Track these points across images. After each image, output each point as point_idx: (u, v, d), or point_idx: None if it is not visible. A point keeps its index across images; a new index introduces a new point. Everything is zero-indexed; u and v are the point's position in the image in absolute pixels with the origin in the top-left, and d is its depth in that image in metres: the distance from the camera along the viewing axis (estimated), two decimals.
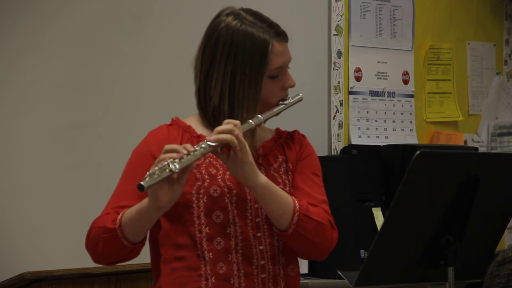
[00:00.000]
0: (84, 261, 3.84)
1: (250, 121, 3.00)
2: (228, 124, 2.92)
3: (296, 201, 3.03)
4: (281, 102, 3.09)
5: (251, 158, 2.94)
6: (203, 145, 2.88)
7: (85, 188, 4.26)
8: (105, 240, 3.01)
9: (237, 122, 2.93)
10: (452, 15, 5.54)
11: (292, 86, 3.12)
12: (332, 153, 4.99)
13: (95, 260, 3.09)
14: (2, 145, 4.11)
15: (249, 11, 3.13)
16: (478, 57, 5.66)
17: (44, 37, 4.26)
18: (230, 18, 3.11)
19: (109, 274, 3.76)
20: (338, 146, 5.02)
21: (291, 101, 3.11)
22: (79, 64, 4.31)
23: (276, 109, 3.07)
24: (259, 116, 3.02)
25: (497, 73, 5.74)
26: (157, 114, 4.11)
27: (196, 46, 3.12)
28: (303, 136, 3.22)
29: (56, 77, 4.26)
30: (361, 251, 4.43)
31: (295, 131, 3.21)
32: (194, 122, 3.11)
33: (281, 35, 3.12)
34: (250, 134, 3.07)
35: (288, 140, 3.16)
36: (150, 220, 2.96)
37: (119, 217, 2.97)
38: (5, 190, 4.08)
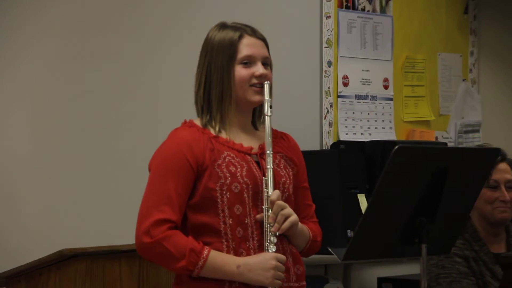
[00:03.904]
0: (113, 240, 3.87)
1: (269, 140, 3.00)
2: (280, 212, 2.96)
3: (310, 233, 3.11)
4: (265, 114, 3.02)
5: (296, 219, 2.99)
6: (273, 240, 2.96)
7: (112, 176, 4.25)
8: (175, 269, 2.95)
9: (281, 203, 2.97)
10: (425, 30, 5.54)
11: (262, 75, 3.04)
12: (324, 148, 4.99)
13: (145, 254, 2.99)
14: (45, 140, 4.09)
15: (234, 22, 3.12)
16: (447, 66, 5.65)
17: (71, 50, 4.24)
18: (213, 29, 3.12)
19: (134, 251, 3.72)
20: (328, 142, 5.02)
21: (268, 106, 3.03)
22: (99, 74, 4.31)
23: (267, 124, 3.01)
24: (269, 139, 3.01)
25: (463, 80, 5.73)
26: (168, 114, 4.13)
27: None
28: (296, 142, 3.21)
29: (79, 87, 4.26)
30: (348, 230, 4.43)
31: (287, 134, 3.20)
32: (204, 125, 3.07)
33: (254, 33, 3.09)
34: (257, 138, 3.09)
35: (282, 140, 3.15)
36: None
37: (200, 264, 2.91)
38: (48, 181, 4.08)
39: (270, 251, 2.95)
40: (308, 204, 3.19)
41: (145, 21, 4.43)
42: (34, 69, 4.11)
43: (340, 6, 5.14)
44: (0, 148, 3.99)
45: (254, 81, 3.04)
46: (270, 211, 2.96)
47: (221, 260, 2.93)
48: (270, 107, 3.03)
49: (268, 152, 2.99)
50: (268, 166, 2.98)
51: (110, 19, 4.31)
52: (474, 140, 5.64)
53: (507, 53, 5.98)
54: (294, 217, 2.99)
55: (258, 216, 2.98)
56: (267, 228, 2.96)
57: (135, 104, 4.38)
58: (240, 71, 3.04)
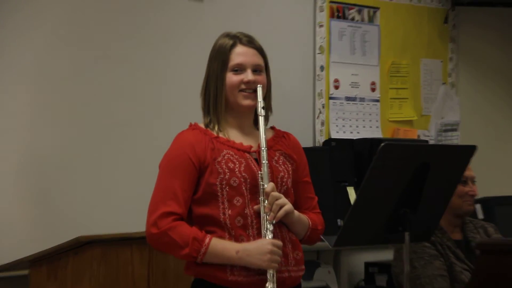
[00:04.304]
0: (125, 227, 3.87)
1: (263, 140, 2.99)
2: (275, 202, 2.95)
3: (310, 222, 3.08)
4: (258, 114, 3.01)
5: (291, 208, 2.98)
6: (270, 228, 2.95)
7: (125, 171, 4.25)
8: (181, 256, 2.96)
9: (275, 194, 2.96)
10: (409, 38, 5.54)
11: (250, 81, 3.02)
12: (316, 145, 4.99)
13: (154, 244, 3.00)
14: (66, 138, 4.09)
15: (239, 32, 3.11)
16: (429, 71, 5.65)
17: (92, 54, 4.24)
18: (219, 37, 3.12)
19: (145, 238, 3.69)
20: (320, 139, 5.02)
21: (260, 106, 3.02)
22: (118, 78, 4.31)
23: (260, 123, 3.00)
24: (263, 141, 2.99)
25: (443, 83, 5.73)
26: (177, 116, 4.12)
27: None
28: (297, 140, 3.20)
29: (97, 87, 4.26)
30: (338, 220, 4.44)
31: (289, 134, 3.19)
32: (206, 126, 3.07)
33: (249, 43, 3.07)
34: (257, 138, 3.07)
35: (283, 139, 3.14)
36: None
37: (202, 251, 2.92)
38: (68, 176, 4.07)
39: (267, 237, 2.95)
40: (310, 197, 3.17)
41: (152, 25, 4.42)
42: (52, 67, 4.09)
43: (332, 16, 5.14)
44: (26, 144, 3.97)
45: (243, 86, 3.03)
46: (266, 202, 2.97)
47: (221, 246, 2.94)
48: (263, 108, 3.01)
49: (262, 148, 2.99)
50: (263, 161, 2.97)
51: (117, 23, 4.29)
52: (453, 138, 5.64)
53: (483, 59, 5.98)
54: (288, 206, 2.99)
55: (255, 206, 2.98)
56: (264, 217, 2.96)
57: (148, 105, 4.38)
58: (231, 78, 3.04)
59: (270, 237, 2.94)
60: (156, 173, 4.12)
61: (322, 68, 5.08)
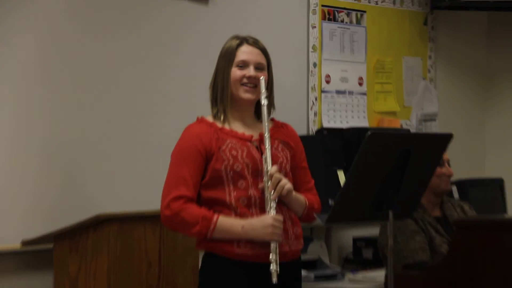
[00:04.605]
0: (139, 206, 3.88)
1: (266, 125, 3.01)
2: (278, 182, 2.97)
3: (307, 201, 3.09)
4: (262, 104, 3.03)
5: (291, 187, 3.00)
6: (273, 205, 2.96)
7: (140, 155, 4.24)
8: (192, 234, 2.97)
9: (278, 176, 2.97)
10: (392, 38, 5.53)
11: (251, 76, 3.04)
12: (310, 133, 4.99)
13: (168, 225, 3.02)
14: (87, 123, 4.07)
15: (247, 35, 3.14)
16: (410, 67, 5.64)
17: (112, 47, 4.22)
18: (229, 38, 3.15)
19: (156, 216, 3.66)
20: (314, 128, 5.01)
21: (263, 97, 3.04)
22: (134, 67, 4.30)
23: (264, 111, 3.02)
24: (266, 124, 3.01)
25: (423, 79, 5.72)
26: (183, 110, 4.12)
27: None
28: (294, 130, 3.20)
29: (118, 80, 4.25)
30: (329, 200, 4.43)
31: (287, 124, 3.20)
32: (212, 119, 3.09)
33: (254, 43, 3.10)
34: (258, 128, 3.09)
35: (282, 128, 3.15)
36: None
37: (211, 227, 2.94)
38: (87, 159, 4.06)
39: (271, 213, 2.96)
40: (307, 180, 3.18)
41: (162, 25, 4.40)
42: (75, 55, 4.07)
43: (324, 18, 5.14)
44: (51, 130, 3.95)
45: (245, 81, 3.05)
46: (269, 182, 2.97)
47: (228, 223, 2.96)
48: (266, 97, 3.03)
49: (266, 135, 3.00)
50: (266, 146, 2.99)
51: (128, 21, 4.28)
52: (432, 127, 5.63)
53: (459, 57, 5.96)
54: (289, 185, 3.01)
55: (260, 185, 3.00)
56: (268, 196, 2.97)
57: (161, 97, 4.35)
58: (235, 72, 3.06)
59: (273, 213, 2.96)
60: (167, 158, 4.14)
61: (315, 64, 5.07)
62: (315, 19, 5.09)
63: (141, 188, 4.17)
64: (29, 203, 3.85)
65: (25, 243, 3.71)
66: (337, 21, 5.21)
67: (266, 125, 3.02)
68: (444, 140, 3.48)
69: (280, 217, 2.97)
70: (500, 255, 3.31)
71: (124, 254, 3.61)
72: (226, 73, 3.06)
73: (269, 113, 3.08)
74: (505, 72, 6.03)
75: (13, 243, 3.73)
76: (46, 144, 3.93)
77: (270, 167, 2.97)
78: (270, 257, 2.92)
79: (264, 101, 3.03)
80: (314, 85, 5.06)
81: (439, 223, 3.91)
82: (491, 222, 3.54)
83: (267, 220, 2.94)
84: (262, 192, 3.00)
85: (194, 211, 2.94)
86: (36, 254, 3.82)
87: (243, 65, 3.06)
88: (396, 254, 3.70)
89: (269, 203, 2.97)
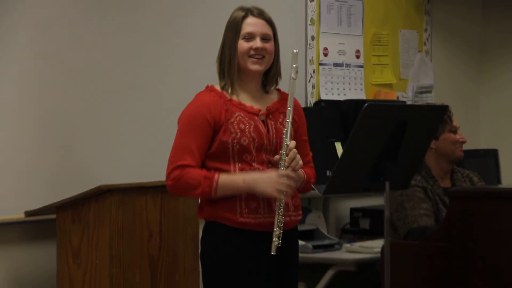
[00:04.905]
0: (141, 177, 3.85)
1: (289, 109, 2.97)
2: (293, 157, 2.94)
3: (305, 175, 3.05)
4: (292, 77, 2.99)
5: (301, 164, 2.99)
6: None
7: (141, 127, 4.21)
8: (197, 195, 2.96)
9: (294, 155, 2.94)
10: (389, 11, 5.49)
11: (259, 48, 3.00)
12: (308, 105, 4.98)
13: (173, 192, 3.02)
14: (89, 97, 4.03)
15: (252, 6, 3.08)
16: (406, 40, 5.61)
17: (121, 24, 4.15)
18: (234, 10, 3.10)
19: (157, 187, 3.72)
20: (312, 100, 5.02)
21: (293, 75, 3.00)
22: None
23: (291, 85, 2.99)
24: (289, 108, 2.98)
25: (419, 51, 5.69)
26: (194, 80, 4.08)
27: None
28: (298, 103, 3.16)
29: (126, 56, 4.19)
30: (327, 171, 4.43)
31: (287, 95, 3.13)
32: (221, 90, 3.05)
33: (259, 15, 3.05)
34: (265, 101, 3.06)
35: (286, 101, 3.06)
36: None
37: (214, 185, 2.92)
38: (89, 131, 4.03)
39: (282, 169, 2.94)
40: (306, 153, 3.14)
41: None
42: (74, 27, 4.01)
43: None
44: (52, 103, 3.91)
45: (252, 52, 3.01)
46: (286, 157, 2.94)
47: (230, 178, 2.94)
48: (296, 71, 2.99)
49: (289, 108, 2.97)
50: (288, 120, 2.96)
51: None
52: (427, 99, 5.65)
53: (453, 30, 5.94)
54: (301, 162, 2.99)
55: (275, 157, 2.97)
56: (282, 169, 2.94)
57: (162, 68, 4.29)
58: (242, 44, 3.01)
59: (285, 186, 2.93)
60: (168, 130, 4.08)
61: (313, 38, 5.04)
62: None
63: (143, 160, 4.17)
64: (32, 175, 3.82)
65: (28, 213, 3.69)
66: None
67: (291, 99, 2.98)
68: (439, 111, 3.47)
69: (288, 174, 2.93)
70: (494, 224, 3.32)
71: (125, 224, 3.59)
72: (233, 45, 3.01)
73: (276, 84, 3.08)
74: (500, 45, 6.02)
75: (16, 213, 3.70)
76: (49, 116, 3.90)
77: (289, 141, 2.95)
78: (274, 229, 2.90)
79: (294, 75, 2.98)
80: (312, 57, 5.04)
81: (447, 196, 3.88)
82: (485, 192, 3.55)
83: (272, 176, 2.92)
84: (272, 164, 2.97)
85: (195, 173, 2.93)
86: (39, 224, 3.80)
87: (250, 37, 3.01)
88: (402, 220, 3.71)
89: (282, 169, 2.93)
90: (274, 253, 2.90)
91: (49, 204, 3.64)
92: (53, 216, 3.67)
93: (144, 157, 4.15)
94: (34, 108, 3.85)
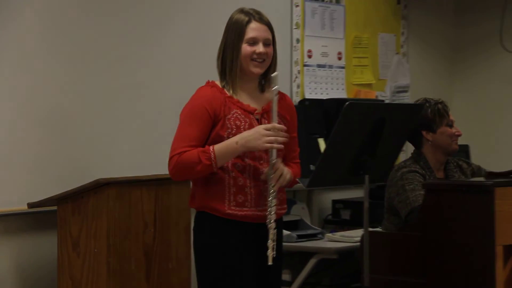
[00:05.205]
0: (137, 172, 3.87)
1: (275, 98, 2.99)
2: (279, 175, 2.99)
3: (293, 176, 3.09)
4: (274, 98, 3.01)
5: (290, 177, 3.03)
6: (274, 194, 2.98)
7: (138, 123, 4.20)
8: (200, 171, 2.96)
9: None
10: (369, 16, 5.50)
11: (261, 53, 3.03)
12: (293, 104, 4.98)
13: (176, 176, 3.02)
14: (88, 95, 4.02)
15: (251, 9, 3.10)
16: (385, 43, 5.62)
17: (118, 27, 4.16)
18: (235, 12, 3.12)
19: (152, 180, 3.73)
20: (296, 99, 5.00)
21: (274, 90, 3.03)
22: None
23: (275, 97, 3.01)
24: (275, 97, 3.00)
25: (396, 53, 5.71)
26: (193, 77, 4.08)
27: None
28: (291, 101, 3.21)
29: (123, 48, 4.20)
30: (310, 165, 4.44)
31: (285, 95, 3.19)
32: (222, 86, 3.07)
33: (261, 20, 3.07)
34: (261, 100, 3.08)
35: (281, 100, 3.11)
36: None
37: (212, 156, 2.94)
38: (88, 126, 4.02)
39: (272, 202, 2.97)
40: (294, 149, 3.18)
41: None
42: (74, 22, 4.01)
43: None
44: (53, 99, 3.91)
45: (255, 56, 3.04)
46: (272, 175, 2.99)
47: (224, 145, 2.96)
48: (277, 94, 3.00)
49: (274, 121, 2.99)
50: (273, 159, 2.98)
51: None
52: (404, 98, 5.64)
53: (429, 33, 5.95)
54: (289, 176, 3.03)
55: (262, 176, 3.00)
56: (270, 185, 2.98)
57: (159, 66, 4.29)
58: (246, 48, 3.03)
59: (274, 202, 2.96)
60: (162, 127, 4.14)
61: (298, 40, 5.05)
62: None
63: (139, 155, 4.15)
64: (34, 169, 3.83)
65: (30, 205, 3.69)
66: (319, 0, 5.18)
67: (275, 116, 2.99)
68: (415, 110, 3.47)
69: (271, 125, 2.96)
70: (463, 215, 3.33)
71: (122, 215, 3.60)
72: (236, 48, 3.02)
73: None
74: (471, 47, 6.03)
75: (19, 205, 3.71)
76: (50, 114, 3.89)
77: (275, 159, 2.97)
78: (268, 240, 2.94)
79: (275, 97, 3.00)
80: (297, 59, 5.04)
81: (423, 188, 3.88)
82: (456, 185, 3.55)
83: (259, 130, 2.94)
84: (254, 159, 2.99)
85: (191, 152, 2.94)
86: (41, 215, 3.81)
87: (253, 41, 3.03)
88: (403, 201, 3.68)
89: (270, 191, 2.97)
90: (271, 263, 2.94)
91: (50, 197, 3.65)
92: (54, 207, 3.67)
93: (140, 152, 4.15)
94: (36, 106, 3.84)
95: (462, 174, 3.96)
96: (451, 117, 3.93)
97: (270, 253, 2.93)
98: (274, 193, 2.97)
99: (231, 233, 3.00)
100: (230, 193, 3.00)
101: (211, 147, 2.95)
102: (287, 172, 3.02)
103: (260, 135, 2.93)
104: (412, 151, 3.96)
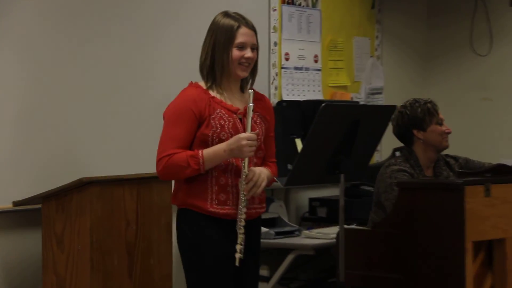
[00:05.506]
0: (119, 171, 3.84)
1: (251, 105, 3.00)
2: (251, 186, 2.99)
3: (270, 172, 3.10)
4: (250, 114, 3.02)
5: (264, 184, 3.03)
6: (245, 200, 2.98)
7: (121, 123, 4.17)
8: (188, 174, 2.97)
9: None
10: (344, 20, 5.50)
11: (250, 58, 3.06)
12: None
13: (165, 177, 3.04)
14: (70, 94, 3.99)
15: (235, 12, 3.11)
16: (360, 46, 5.62)
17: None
18: (219, 15, 3.10)
19: (134, 179, 3.71)
20: (274, 101, 5.00)
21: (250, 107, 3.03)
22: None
23: (250, 112, 3.01)
24: (250, 104, 3.01)
25: (371, 56, 5.71)
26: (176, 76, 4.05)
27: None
28: (270, 102, 3.23)
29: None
30: (288, 164, 4.43)
31: (264, 96, 3.20)
32: (205, 87, 3.07)
33: (249, 25, 3.08)
34: (243, 100, 3.09)
35: (261, 101, 3.14)
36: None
37: (201, 161, 2.95)
38: (71, 127, 3.99)
39: (243, 206, 2.97)
40: (272, 148, 3.20)
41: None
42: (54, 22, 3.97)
43: (283, 2, 5.11)
44: (37, 99, 3.87)
45: (243, 60, 3.05)
46: (244, 185, 2.99)
47: (212, 152, 2.97)
48: (253, 110, 3.02)
49: (248, 130, 3.00)
50: (244, 169, 2.99)
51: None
52: (378, 100, 5.65)
53: (402, 37, 5.97)
54: (264, 183, 3.03)
55: (239, 185, 2.99)
56: (241, 193, 2.98)
57: (142, 66, 4.25)
58: (235, 52, 3.04)
59: (244, 210, 2.96)
60: (145, 127, 4.10)
61: (275, 44, 5.04)
62: (276, 2, 5.05)
63: (121, 155, 4.14)
64: (19, 168, 3.80)
65: (16, 203, 3.67)
66: (295, 4, 5.18)
67: (249, 127, 3.00)
68: (388, 111, 3.48)
69: (251, 135, 2.97)
70: (434, 212, 3.34)
71: (105, 213, 3.59)
72: (226, 52, 3.03)
73: (252, 83, 3.14)
74: (442, 51, 6.06)
75: (5, 203, 3.68)
76: (36, 113, 3.85)
77: (247, 170, 2.98)
78: (237, 243, 2.96)
79: (250, 112, 3.01)
80: (275, 62, 5.03)
81: (397, 187, 3.87)
82: (427, 184, 3.57)
83: (240, 141, 2.95)
84: (240, 161, 2.99)
85: (180, 156, 2.95)
86: (26, 213, 3.78)
87: (242, 46, 3.04)
88: (390, 200, 3.68)
89: (242, 198, 2.98)
90: (238, 265, 2.96)
91: (35, 195, 3.63)
92: (39, 205, 3.65)
93: (122, 152, 4.13)
94: (21, 106, 3.80)
95: (450, 170, 3.97)
96: (441, 116, 3.95)
97: (237, 256, 2.95)
98: (245, 203, 2.98)
99: (213, 229, 3.00)
100: (213, 192, 3.00)
101: (200, 152, 2.96)
102: (262, 180, 3.02)
103: (242, 146, 2.95)
104: (402, 149, 3.95)
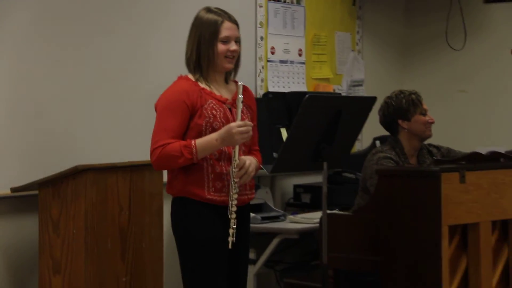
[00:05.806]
0: (113, 159, 3.84)
1: (240, 96, 3.01)
2: (243, 173, 3.00)
3: (257, 160, 3.12)
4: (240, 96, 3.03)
5: (253, 170, 3.04)
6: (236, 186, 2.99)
7: (115, 111, 4.15)
8: (181, 164, 2.96)
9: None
10: (326, 16, 5.51)
11: (235, 51, 3.07)
12: (258, 97, 4.97)
13: (159, 167, 3.02)
14: (67, 87, 3.98)
15: (217, 8, 3.11)
16: (341, 41, 5.63)
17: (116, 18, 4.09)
18: (202, 11, 3.10)
19: (127, 167, 3.71)
20: (261, 92, 5.01)
21: (239, 98, 3.04)
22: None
23: (240, 103, 3.02)
24: (240, 96, 3.01)
25: (352, 50, 5.72)
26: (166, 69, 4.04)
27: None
28: (253, 93, 3.25)
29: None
30: (273, 153, 4.45)
31: (247, 87, 3.20)
32: (194, 79, 3.07)
33: (231, 19, 3.09)
34: (229, 91, 3.11)
35: (245, 92, 3.15)
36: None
37: (194, 151, 2.94)
38: (68, 114, 3.98)
39: (234, 192, 2.98)
40: (255, 137, 3.21)
41: None
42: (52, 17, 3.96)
43: None
44: (34, 87, 3.85)
45: (228, 54, 3.07)
46: (236, 171, 3.00)
47: (204, 141, 2.97)
48: (242, 101, 3.03)
49: (238, 119, 3.01)
50: (235, 159, 3.01)
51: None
52: (359, 91, 5.67)
53: (381, 32, 5.99)
54: (253, 171, 3.05)
55: (230, 170, 3.00)
56: (232, 179, 3.00)
57: (135, 58, 4.24)
58: (220, 46, 3.05)
59: (235, 197, 2.98)
60: (138, 116, 4.08)
61: (262, 38, 5.04)
62: None
63: (115, 143, 4.13)
64: (17, 156, 3.78)
65: (13, 189, 3.66)
66: (281, 1, 5.19)
67: (239, 117, 3.01)
68: (369, 102, 3.48)
69: (243, 122, 2.97)
70: (413, 198, 3.35)
71: (99, 199, 3.58)
72: (212, 46, 3.03)
73: (235, 75, 3.15)
74: (419, 45, 6.08)
75: (3, 189, 3.67)
76: (33, 103, 3.84)
77: (237, 159, 2.99)
78: (230, 227, 2.97)
79: (240, 104, 3.02)
80: (261, 55, 5.04)
81: (376, 174, 3.88)
82: (406, 171, 3.58)
83: (232, 130, 2.95)
84: (232, 149, 2.99)
85: (174, 146, 2.94)
86: (23, 199, 3.77)
87: (227, 40, 3.04)
88: (374, 186, 3.67)
89: (234, 185, 2.99)
90: (231, 247, 2.97)
91: (32, 182, 3.62)
92: (36, 192, 3.65)
93: (115, 140, 4.12)
94: (18, 96, 3.78)
95: (431, 157, 3.98)
96: (425, 106, 3.96)
97: (230, 239, 2.96)
98: (237, 189, 2.99)
99: (211, 215, 3.01)
100: (209, 180, 3.01)
101: (192, 142, 2.96)
102: (252, 169, 3.04)
103: (234, 134, 2.95)
104: (388, 138, 3.97)
